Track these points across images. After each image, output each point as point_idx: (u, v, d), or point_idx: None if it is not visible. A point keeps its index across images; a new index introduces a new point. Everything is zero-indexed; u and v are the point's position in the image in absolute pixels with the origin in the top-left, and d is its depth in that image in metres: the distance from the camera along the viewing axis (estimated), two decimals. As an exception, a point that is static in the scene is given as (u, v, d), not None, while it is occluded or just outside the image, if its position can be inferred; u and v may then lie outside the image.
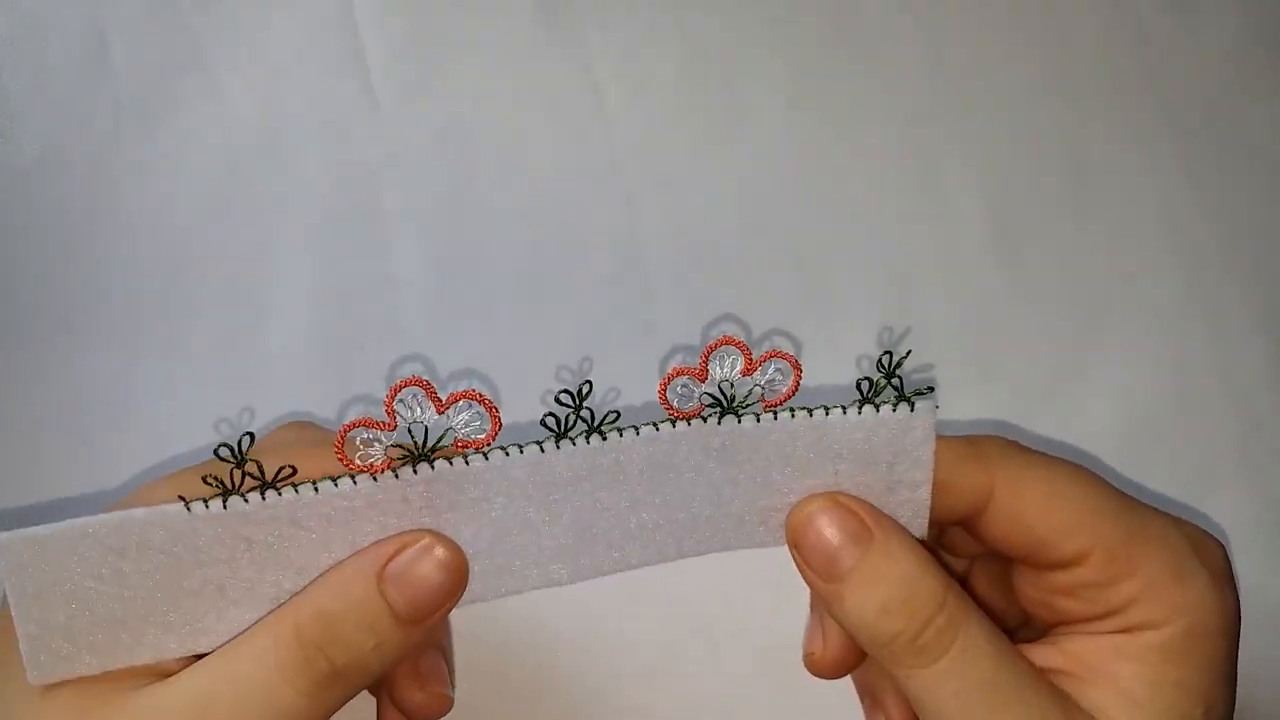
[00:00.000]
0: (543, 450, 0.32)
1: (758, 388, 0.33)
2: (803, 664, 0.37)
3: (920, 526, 0.34)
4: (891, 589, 0.32)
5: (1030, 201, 0.51)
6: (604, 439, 0.32)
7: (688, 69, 0.51)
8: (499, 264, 0.49)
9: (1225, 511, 0.48)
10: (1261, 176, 0.52)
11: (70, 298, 0.47)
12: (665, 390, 0.32)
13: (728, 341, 0.32)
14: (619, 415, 0.32)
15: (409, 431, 0.31)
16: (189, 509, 0.31)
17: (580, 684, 0.45)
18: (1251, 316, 0.50)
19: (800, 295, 0.49)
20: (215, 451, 0.30)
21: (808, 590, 0.38)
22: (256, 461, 0.31)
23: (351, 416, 0.31)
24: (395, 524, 0.32)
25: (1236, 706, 0.33)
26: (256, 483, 0.31)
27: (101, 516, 0.30)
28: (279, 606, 0.32)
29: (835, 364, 0.47)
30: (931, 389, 0.33)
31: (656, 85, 0.51)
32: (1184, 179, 0.52)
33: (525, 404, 0.43)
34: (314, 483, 0.31)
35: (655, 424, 0.33)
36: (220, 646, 0.32)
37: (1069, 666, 0.33)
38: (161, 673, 0.32)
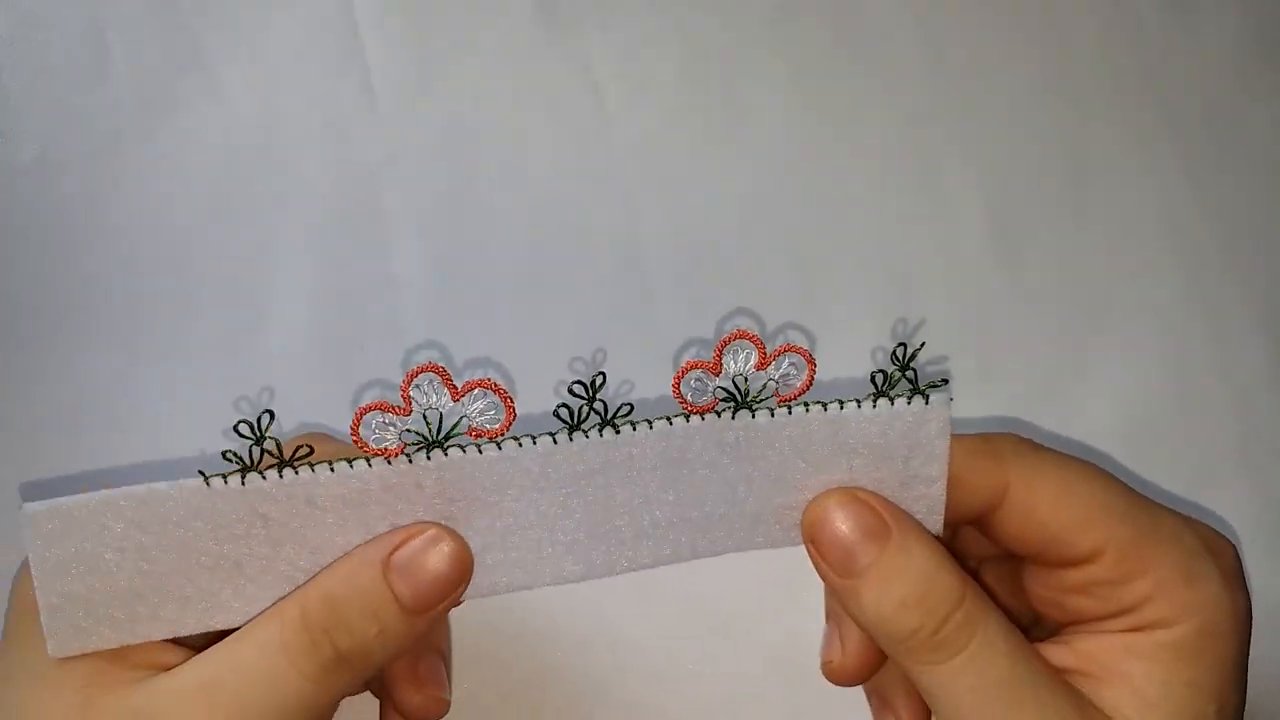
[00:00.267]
0: (556, 442, 0.32)
1: (772, 382, 0.33)
2: (820, 671, 0.37)
3: (936, 523, 0.34)
4: (909, 585, 0.32)
5: (1030, 201, 0.51)
6: (617, 432, 0.32)
7: (688, 69, 0.51)
8: (499, 264, 0.49)
9: (1225, 511, 0.48)
10: (1261, 176, 0.52)
11: (70, 298, 0.47)
12: (679, 383, 0.32)
13: (742, 335, 0.32)
14: (632, 408, 0.32)
15: (424, 418, 0.31)
16: (208, 484, 0.31)
17: (587, 681, 0.45)
18: (1251, 316, 0.50)
19: (800, 295, 0.49)
20: (235, 427, 0.31)
21: (822, 597, 0.38)
22: (275, 439, 0.31)
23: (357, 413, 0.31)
24: (408, 510, 0.32)
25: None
26: (274, 460, 0.31)
27: (124, 489, 0.31)
28: (288, 593, 0.32)
29: (835, 363, 0.47)
30: (945, 381, 0.33)
31: (656, 85, 0.51)
32: (1184, 179, 0.52)
33: (525, 402, 0.43)
34: (330, 463, 0.32)
35: (669, 418, 0.33)
36: (234, 627, 0.32)
37: (1081, 665, 0.33)
38: (167, 665, 0.32)
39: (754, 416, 0.33)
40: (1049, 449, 0.34)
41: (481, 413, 0.32)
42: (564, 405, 0.32)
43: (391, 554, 0.32)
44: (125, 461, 0.46)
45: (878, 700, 0.38)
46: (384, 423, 0.31)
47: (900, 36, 0.52)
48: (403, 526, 0.32)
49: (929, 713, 0.38)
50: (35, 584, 0.31)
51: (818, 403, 0.33)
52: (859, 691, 0.39)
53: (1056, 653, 0.33)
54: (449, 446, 0.32)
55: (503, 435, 0.32)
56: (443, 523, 0.33)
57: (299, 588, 0.32)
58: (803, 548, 0.35)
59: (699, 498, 0.34)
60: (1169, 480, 0.48)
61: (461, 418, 0.32)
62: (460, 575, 0.32)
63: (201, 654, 0.32)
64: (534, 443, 0.32)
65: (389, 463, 0.32)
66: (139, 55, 0.49)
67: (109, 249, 0.48)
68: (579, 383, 0.32)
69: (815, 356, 0.33)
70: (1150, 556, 0.32)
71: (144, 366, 0.47)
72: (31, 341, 0.47)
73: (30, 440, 0.46)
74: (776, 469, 0.33)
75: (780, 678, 0.45)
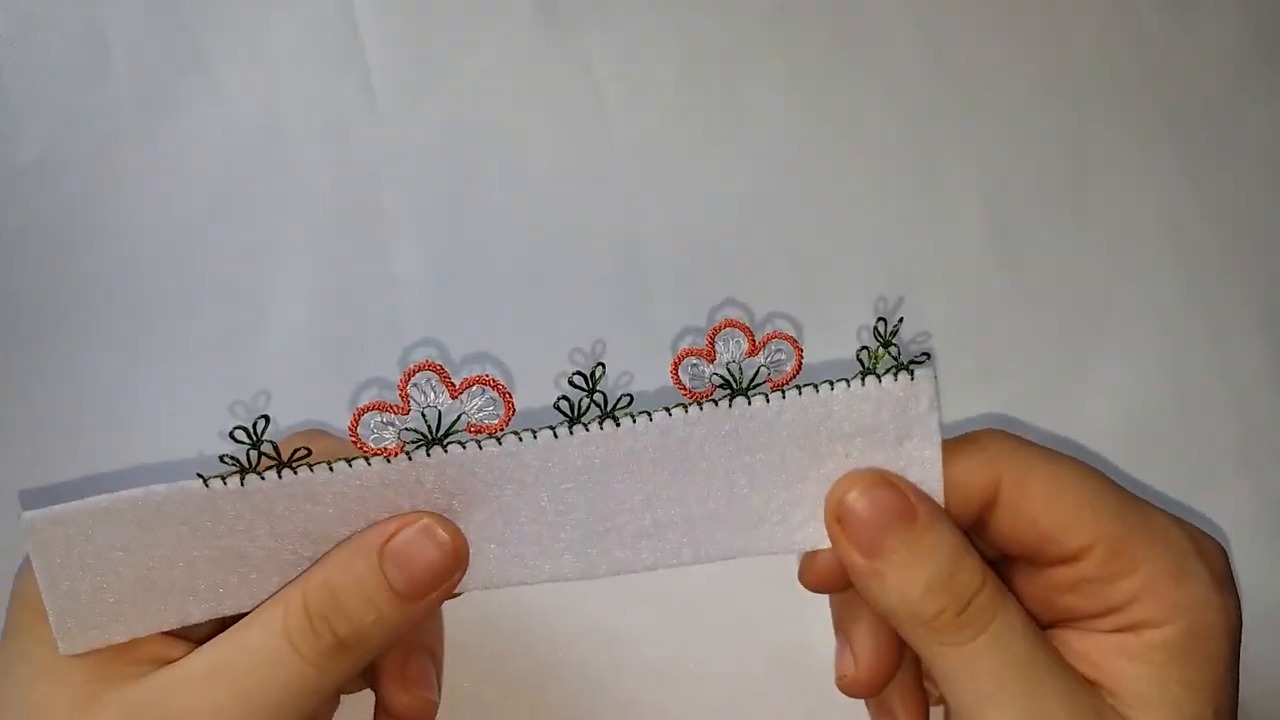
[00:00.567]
0: (556, 436, 0.32)
1: (763, 368, 0.33)
2: (835, 686, 0.37)
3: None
4: (936, 566, 0.32)
5: (1030, 201, 0.51)
6: (617, 424, 0.32)
7: (688, 69, 0.51)
8: (499, 264, 0.49)
9: (1225, 511, 0.48)
10: (1261, 176, 0.52)
11: (70, 298, 0.47)
12: (677, 369, 0.32)
13: (731, 324, 0.33)
14: (632, 399, 0.32)
15: (422, 416, 0.32)
16: (207, 486, 0.31)
17: (586, 679, 0.45)
18: (1251, 316, 0.50)
19: (800, 295, 0.49)
20: (231, 434, 0.31)
21: (830, 610, 0.38)
22: (272, 442, 0.32)
23: (355, 413, 0.31)
24: (409, 506, 0.32)
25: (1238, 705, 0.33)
26: (273, 462, 0.32)
27: (123, 493, 0.31)
28: (291, 581, 0.33)
29: (835, 364, 0.47)
30: (928, 355, 0.33)
31: (656, 85, 0.51)
32: (1184, 179, 0.52)
33: (525, 400, 0.43)
34: (329, 463, 0.32)
35: (668, 409, 0.33)
36: (242, 612, 0.33)
37: (1075, 664, 0.33)
38: (171, 659, 0.32)
39: (750, 403, 0.33)
40: (1036, 444, 0.34)
41: (480, 409, 0.32)
42: (564, 398, 0.32)
43: (386, 542, 0.32)
44: (125, 462, 0.46)
45: (876, 705, 0.38)
46: (383, 422, 0.31)
47: (900, 36, 0.52)
48: (397, 515, 0.33)
49: (926, 715, 0.38)
50: (41, 589, 0.31)
51: (809, 385, 0.33)
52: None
53: None
54: (448, 444, 0.32)
55: (502, 431, 0.32)
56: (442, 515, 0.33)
57: (301, 574, 0.32)
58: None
59: (701, 494, 0.33)
60: (1169, 480, 0.48)
61: (460, 415, 0.32)
62: (454, 563, 0.32)
63: (209, 641, 0.32)
64: (534, 437, 0.32)
65: (388, 462, 0.32)
66: (139, 55, 0.49)
67: (109, 249, 0.48)
68: (579, 373, 0.32)
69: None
70: (1139, 555, 0.32)
71: (144, 366, 0.47)
72: (31, 341, 0.47)
73: (30, 440, 0.46)
74: (776, 459, 0.33)
75: (779, 676, 0.45)
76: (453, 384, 0.32)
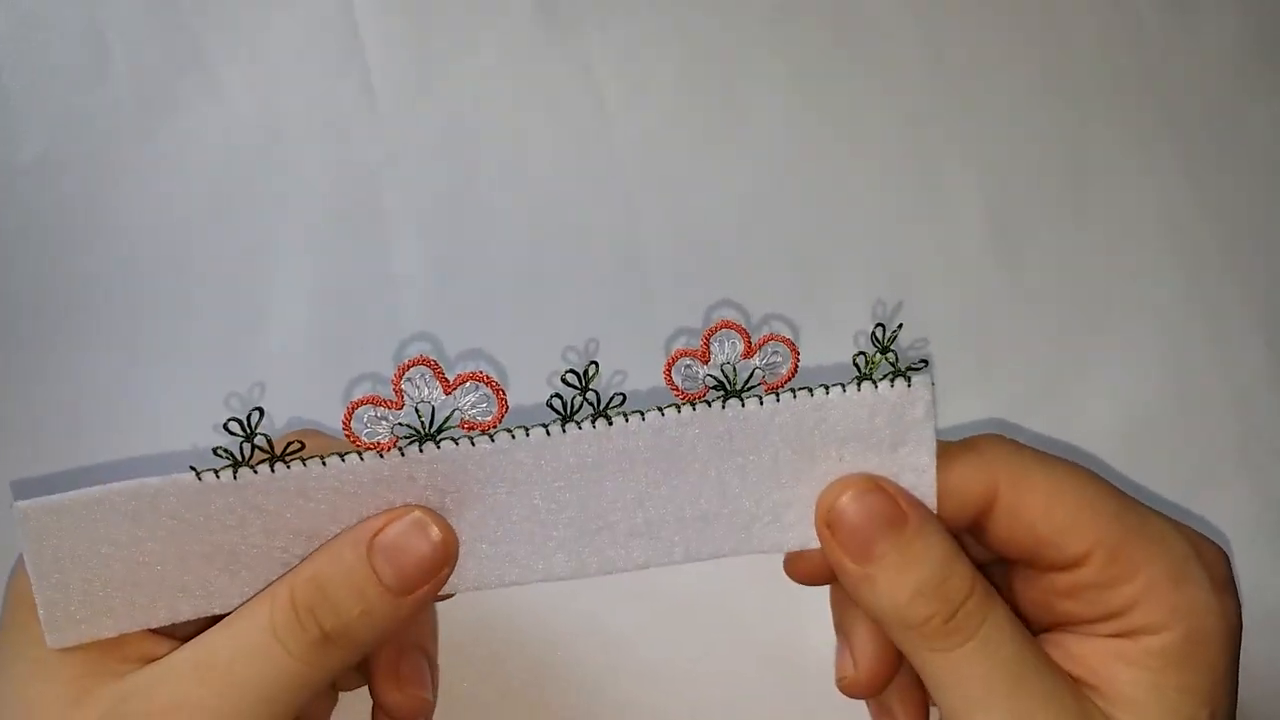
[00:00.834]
0: (548, 433, 0.32)
1: (759, 370, 0.33)
2: (836, 687, 0.37)
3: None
4: (926, 572, 0.32)
5: (1030, 201, 0.51)
6: (610, 423, 0.32)
7: (688, 69, 0.51)
8: (499, 264, 0.49)
9: (1225, 511, 0.48)
10: (1261, 176, 0.52)
11: (70, 298, 0.47)
12: (670, 371, 0.32)
13: (727, 325, 0.33)
14: (624, 399, 0.32)
15: (416, 411, 0.32)
16: (200, 478, 0.31)
17: (583, 680, 0.45)
18: (1251, 316, 0.50)
19: (800, 295, 0.49)
20: (225, 425, 0.31)
21: (830, 611, 0.38)
22: (265, 435, 0.32)
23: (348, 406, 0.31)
24: (400, 503, 0.32)
25: (1237, 706, 0.33)
26: (265, 456, 0.32)
27: (116, 485, 0.31)
28: (279, 577, 0.33)
29: (836, 365, 0.47)
30: (925, 362, 0.33)
31: (656, 85, 0.51)
32: (1184, 179, 0.52)
33: (522, 398, 0.43)
34: (321, 458, 0.32)
35: (660, 409, 0.33)
36: (230, 611, 0.33)
37: (1070, 669, 0.33)
38: (159, 656, 0.32)
39: (744, 405, 0.33)
40: (1034, 450, 0.34)
41: (474, 405, 0.32)
42: (557, 395, 0.32)
43: (375, 536, 0.32)
44: (125, 461, 0.46)
45: (875, 705, 0.38)
46: (376, 416, 0.31)
47: (900, 36, 0.52)
48: (388, 510, 0.33)
49: (926, 715, 0.38)
50: (31, 579, 0.31)
51: (804, 388, 0.33)
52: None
53: None
54: (441, 439, 0.32)
55: (495, 428, 0.32)
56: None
57: (290, 569, 0.32)
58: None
59: (693, 494, 0.34)
60: (1169, 480, 0.48)
61: (454, 411, 0.32)
62: (443, 558, 0.32)
63: (194, 638, 0.32)
64: (526, 434, 0.32)
65: (381, 456, 0.32)
66: (139, 55, 0.49)
67: (109, 249, 0.48)
68: (572, 371, 0.32)
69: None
70: (1138, 560, 0.32)
71: (144, 366, 0.47)
72: (31, 341, 0.47)
73: (30, 440, 0.46)
74: (769, 461, 0.33)
75: (773, 675, 0.45)
76: (446, 380, 0.32)
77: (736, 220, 0.50)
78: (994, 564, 0.37)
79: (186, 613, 0.33)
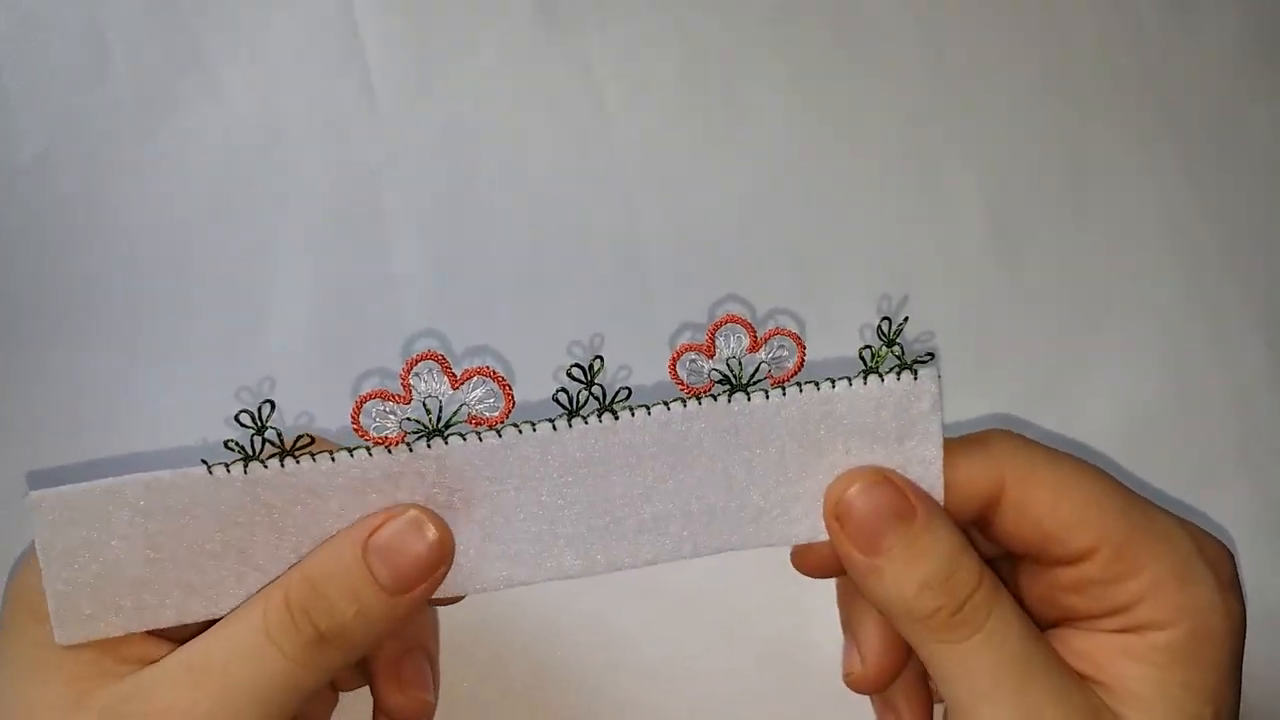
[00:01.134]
0: (555, 428, 0.32)
1: (764, 364, 0.33)
2: (843, 682, 0.37)
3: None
4: (933, 564, 0.32)
5: (1030, 201, 0.51)
6: (616, 418, 0.32)
7: (688, 69, 0.51)
8: (499, 264, 0.49)
9: (1225, 511, 0.48)
10: (1261, 176, 0.52)
11: (70, 298, 0.47)
12: (675, 365, 0.32)
13: (732, 320, 0.33)
14: (630, 393, 0.33)
15: (424, 406, 0.32)
16: (210, 472, 0.31)
17: (584, 679, 0.45)
18: (1251, 316, 0.50)
19: (800, 295, 0.49)
20: (236, 417, 0.31)
21: (837, 607, 0.38)
22: (276, 429, 0.32)
23: (357, 401, 0.32)
24: (408, 499, 0.32)
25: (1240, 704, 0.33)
26: (276, 450, 0.32)
27: (129, 477, 0.31)
28: (275, 578, 0.32)
29: (836, 364, 0.47)
30: (932, 355, 0.33)
31: (656, 85, 0.51)
32: (1184, 179, 0.52)
33: (525, 399, 0.43)
34: (331, 453, 0.32)
35: (666, 403, 0.33)
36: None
37: (1076, 664, 0.33)
38: (157, 659, 0.32)
39: (749, 399, 0.33)
40: (1041, 445, 0.34)
41: (481, 400, 0.32)
42: (563, 390, 0.32)
43: (371, 535, 0.32)
44: (125, 461, 0.46)
45: (880, 701, 0.38)
46: (384, 411, 0.32)
47: (900, 36, 0.52)
48: (385, 509, 0.32)
49: (931, 712, 0.38)
50: (42, 571, 0.31)
51: (810, 382, 0.33)
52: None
53: None
54: (449, 435, 0.32)
55: (502, 423, 0.32)
56: (442, 513, 0.33)
57: (286, 571, 0.32)
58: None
59: (699, 488, 0.34)
60: (1169, 480, 0.48)
61: (461, 405, 0.32)
62: (439, 558, 0.32)
63: (190, 640, 0.32)
64: (533, 429, 0.32)
65: (389, 451, 0.32)
66: (139, 55, 0.49)
67: (109, 249, 0.48)
68: (577, 365, 0.32)
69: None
70: (1144, 557, 0.32)
71: (144, 366, 0.47)
72: (31, 341, 0.47)
73: (31, 440, 0.46)
74: (775, 455, 0.33)
75: (776, 675, 0.45)
76: (454, 375, 0.32)
77: (737, 220, 0.50)
78: (999, 559, 0.37)
79: (197, 613, 0.32)
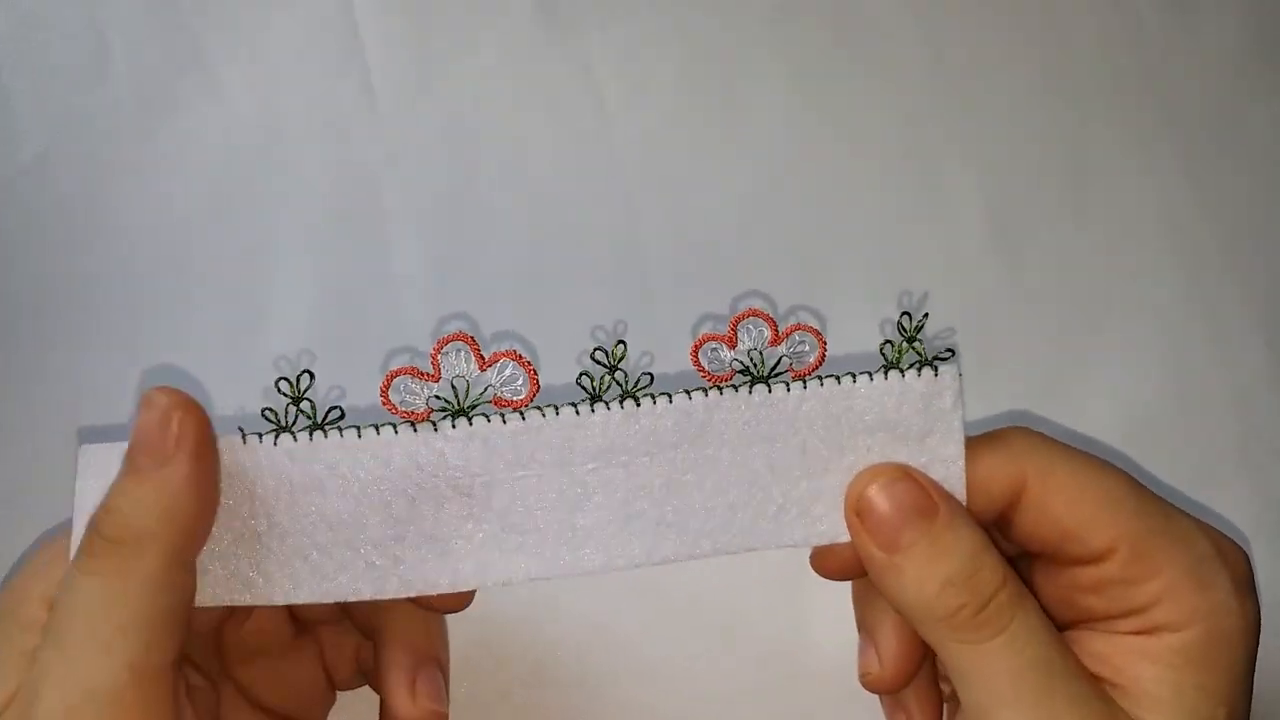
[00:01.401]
0: (578, 413, 0.32)
1: (785, 358, 0.33)
2: (859, 683, 0.36)
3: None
4: (956, 563, 0.31)
5: (1030, 201, 0.51)
6: (638, 404, 0.33)
7: (688, 69, 0.51)
8: (499, 264, 0.49)
9: (1225, 511, 0.48)
10: (1262, 176, 0.52)
11: (70, 298, 0.47)
12: (697, 353, 0.33)
13: (755, 314, 0.33)
14: (652, 379, 0.33)
15: (451, 385, 0.32)
16: (244, 441, 0.32)
17: (584, 681, 0.45)
18: (1251, 316, 0.50)
19: (800, 295, 0.49)
20: (276, 384, 0.32)
21: (853, 607, 0.38)
22: (310, 400, 0.32)
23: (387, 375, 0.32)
24: (429, 480, 0.32)
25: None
26: (309, 422, 0.32)
27: None
28: (298, 571, 0.32)
29: (833, 362, 0.47)
30: (952, 352, 0.33)
31: (656, 85, 0.51)
32: (1184, 179, 0.52)
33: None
34: (358, 428, 0.32)
35: (688, 392, 0.33)
36: (256, 605, 0.33)
37: (1092, 667, 0.33)
38: None
39: (770, 390, 0.33)
40: (1061, 443, 0.34)
41: (507, 383, 0.32)
42: (585, 374, 0.32)
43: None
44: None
45: (891, 701, 0.38)
46: (412, 388, 0.32)
47: (900, 36, 0.52)
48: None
49: (940, 711, 0.38)
50: (75, 518, 0.31)
51: (831, 376, 0.33)
52: (856, 692, 0.39)
53: None
54: (474, 415, 0.32)
55: (526, 406, 0.32)
56: (461, 499, 0.33)
57: None
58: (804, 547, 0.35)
59: (721, 482, 0.33)
60: (1169, 480, 0.48)
61: (487, 387, 0.32)
62: (170, 406, 0.31)
63: None
64: (557, 413, 0.32)
65: (415, 428, 0.32)
66: (139, 55, 0.49)
67: (109, 249, 0.48)
68: (600, 349, 0.32)
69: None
70: (1162, 558, 0.32)
71: (144, 366, 0.47)
72: (31, 341, 0.47)
73: (30, 440, 0.46)
74: (796, 449, 0.33)
75: (778, 677, 0.45)
76: (482, 356, 0.32)
77: (737, 221, 0.50)
78: (1014, 559, 0.37)
79: (207, 599, 0.32)
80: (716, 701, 0.45)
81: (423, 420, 0.32)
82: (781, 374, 0.33)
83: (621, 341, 0.32)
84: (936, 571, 0.31)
